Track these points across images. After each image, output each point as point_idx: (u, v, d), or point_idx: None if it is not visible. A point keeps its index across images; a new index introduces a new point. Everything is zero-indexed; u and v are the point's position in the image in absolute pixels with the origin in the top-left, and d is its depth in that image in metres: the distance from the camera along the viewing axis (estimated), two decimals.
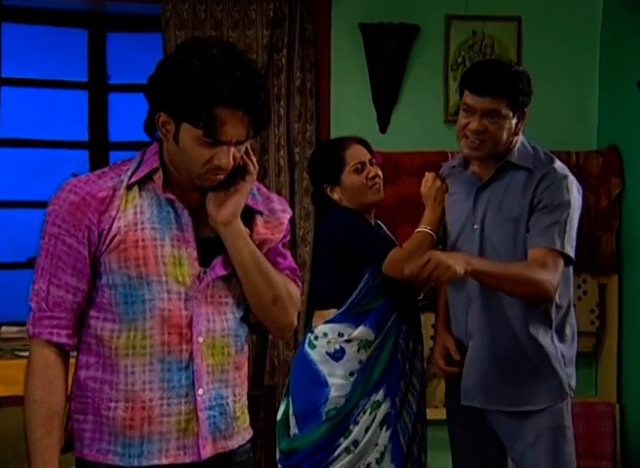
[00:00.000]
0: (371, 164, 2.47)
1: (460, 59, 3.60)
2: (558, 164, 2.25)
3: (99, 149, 3.71)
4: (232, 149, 1.49)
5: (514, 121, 2.21)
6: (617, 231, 3.56)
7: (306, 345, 2.41)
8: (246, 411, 1.68)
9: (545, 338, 2.24)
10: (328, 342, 2.36)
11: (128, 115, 3.71)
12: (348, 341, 2.35)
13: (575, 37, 3.67)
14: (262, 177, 3.49)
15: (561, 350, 2.27)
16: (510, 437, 2.28)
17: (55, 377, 1.53)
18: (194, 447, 1.54)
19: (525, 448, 2.25)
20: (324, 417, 2.33)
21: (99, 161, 3.67)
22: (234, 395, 1.61)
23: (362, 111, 3.59)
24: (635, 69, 3.36)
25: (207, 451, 1.55)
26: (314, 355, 2.37)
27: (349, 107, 3.58)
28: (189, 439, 1.54)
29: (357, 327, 2.36)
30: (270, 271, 1.58)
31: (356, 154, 2.46)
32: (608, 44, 3.64)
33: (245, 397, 1.67)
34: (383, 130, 3.62)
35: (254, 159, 1.57)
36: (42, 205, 3.91)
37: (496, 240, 2.25)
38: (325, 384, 2.34)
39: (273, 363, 3.51)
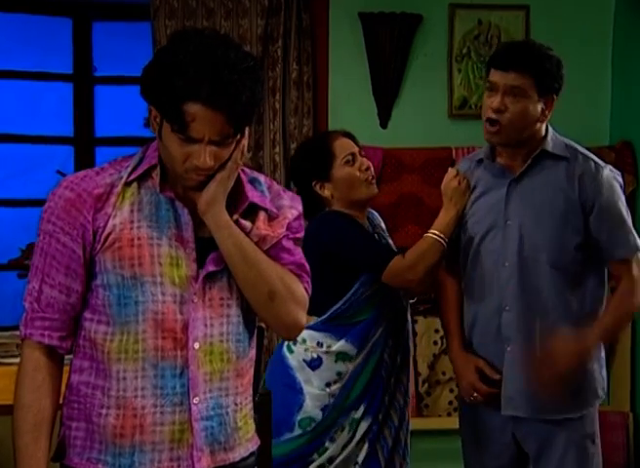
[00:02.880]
0: (361, 155, 2.45)
1: (464, 51, 3.62)
2: (593, 156, 2.27)
3: (84, 145, 3.72)
4: (210, 148, 1.48)
5: (540, 106, 2.18)
6: None
7: (284, 348, 2.41)
8: (250, 421, 1.68)
9: None
10: (306, 350, 2.35)
11: (115, 109, 3.74)
12: (327, 352, 2.34)
13: (586, 27, 3.68)
14: None
15: (600, 350, 2.30)
16: (540, 446, 2.27)
17: (45, 381, 1.55)
18: (188, 459, 1.55)
19: (555, 457, 2.25)
20: (296, 426, 2.33)
21: (84, 157, 3.68)
22: (235, 404, 1.61)
23: (362, 105, 3.60)
24: None
25: (203, 464, 1.56)
26: (292, 360, 2.37)
27: (348, 101, 3.60)
28: (183, 450, 1.55)
29: (338, 340, 2.34)
30: (263, 264, 1.57)
31: (345, 146, 2.44)
32: (621, 35, 3.66)
33: (249, 406, 1.67)
34: (384, 125, 3.64)
35: (242, 146, 1.55)
36: (25, 204, 3.94)
37: (538, 239, 2.22)
38: (300, 391, 2.34)
39: None
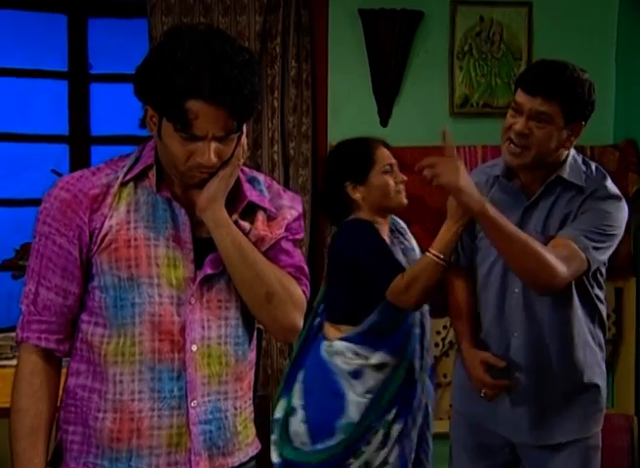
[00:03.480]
0: (397, 168, 2.54)
1: (466, 48, 3.62)
2: (610, 183, 2.20)
3: (79, 144, 3.71)
4: (214, 145, 1.48)
5: (566, 132, 2.11)
6: (634, 231, 3.57)
7: (324, 353, 2.43)
8: (250, 425, 1.68)
9: (597, 359, 2.26)
10: (345, 362, 2.40)
11: (111, 107, 3.73)
12: (366, 364, 2.40)
13: (590, 24, 3.68)
14: None
15: (602, 364, 2.29)
16: (541, 459, 2.28)
17: (42, 385, 1.55)
18: (186, 463, 1.54)
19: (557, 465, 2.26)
20: (338, 432, 2.36)
21: (79, 156, 3.68)
22: (235, 408, 1.61)
23: (361, 103, 3.60)
24: None
25: None
26: (334, 367, 2.41)
27: (348, 99, 3.60)
28: (181, 455, 1.54)
29: (375, 351, 2.40)
30: (261, 265, 1.56)
31: (386, 156, 2.54)
32: (624, 32, 3.66)
33: (249, 409, 1.67)
34: (384, 123, 3.63)
35: (243, 142, 1.55)
36: (19, 203, 3.93)
37: None
38: (343, 398, 2.37)
39: (267, 372, 3.52)
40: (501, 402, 2.26)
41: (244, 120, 1.50)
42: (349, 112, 3.59)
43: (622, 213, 2.18)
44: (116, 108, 3.61)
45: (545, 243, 2.10)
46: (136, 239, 1.53)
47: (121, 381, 1.52)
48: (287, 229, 1.64)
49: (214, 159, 1.48)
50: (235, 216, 1.58)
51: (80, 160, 3.65)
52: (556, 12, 3.66)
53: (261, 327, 1.69)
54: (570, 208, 2.16)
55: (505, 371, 2.24)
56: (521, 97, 2.12)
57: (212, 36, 1.48)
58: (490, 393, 2.25)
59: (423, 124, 3.62)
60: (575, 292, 2.19)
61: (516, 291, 2.21)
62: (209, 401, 1.56)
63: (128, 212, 1.54)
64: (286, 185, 3.53)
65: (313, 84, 3.54)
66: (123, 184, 1.55)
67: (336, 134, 3.56)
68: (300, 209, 1.68)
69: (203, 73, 1.42)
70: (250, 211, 1.61)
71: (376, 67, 3.58)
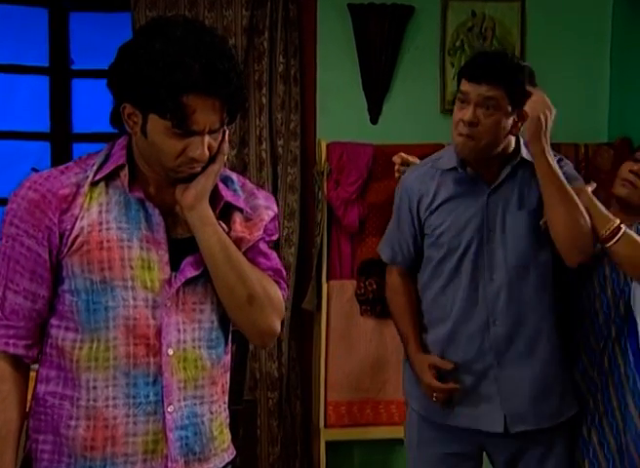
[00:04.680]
0: None
1: (457, 43, 3.60)
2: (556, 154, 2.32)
3: (61, 141, 3.69)
4: (206, 138, 1.48)
5: (513, 118, 2.17)
6: None
7: None
8: (225, 430, 1.67)
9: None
10: None
11: (93, 103, 3.69)
12: None
13: (584, 20, 3.67)
14: (242, 172, 3.48)
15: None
16: (518, 449, 2.31)
17: (10, 392, 1.52)
18: None
19: (535, 460, 2.30)
20: None
21: (61, 154, 3.65)
22: (211, 413, 1.60)
23: (351, 100, 3.58)
24: None
25: None
26: None
27: (337, 96, 3.58)
28: (157, 462, 1.53)
29: None
30: (244, 266, 1.56)
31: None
32: (620, 27, 3.65)
33: (224, 414, 1.66)
34: (374, 120, 3.61)
35: (227, 138, 1.55)
36: None
37: (524, 247, 2.24)
38: None
39: (255, 375, 3.50)
40: (488, 395, 2.26)
41: (237, 111, 1.51)
42: (339, 109, 3.57)
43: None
44: (99, 105, 3.57)
45: (524, 219, 2.21)
46: (108, 241, 1.51)
47: (95, 387, 1.51)
48: (264, 230, 1.63)
49: (207, 153, 1.49)
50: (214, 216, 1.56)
51: (62, 158, 3.62)
52: (549, 7, 3.65)
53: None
54: (535, 187, 2.23)
55: (454, 373, 2.27)
56: (466, 86, 2.18)
57: (196, 28, 1.48)
58: (441, 397, 2.28)
59: (414, 121, 3.61)
60: (552, 274, 2.28)
61: (494, 277, 2.24)
62: (185, 405, 1.55)
63: (100, 212, 1.52)
64: (274, 184, 3.51)
65: (302, 80, 3.52)
66: (93, 184, 1.53)
67: (325, 131, 3.56)
68: (275, 208, 1.68)
69: (198, 67, 1.42)
70: (225, 211, 1.60)
71: (365, 63, 3.56)
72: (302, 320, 3.58)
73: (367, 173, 3.48)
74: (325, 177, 3.45)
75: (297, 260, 3.50)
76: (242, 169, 3.48)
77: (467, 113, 2.15)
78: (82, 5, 3.68)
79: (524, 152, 2.25)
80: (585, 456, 2.30)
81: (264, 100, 3.46)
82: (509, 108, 2.15)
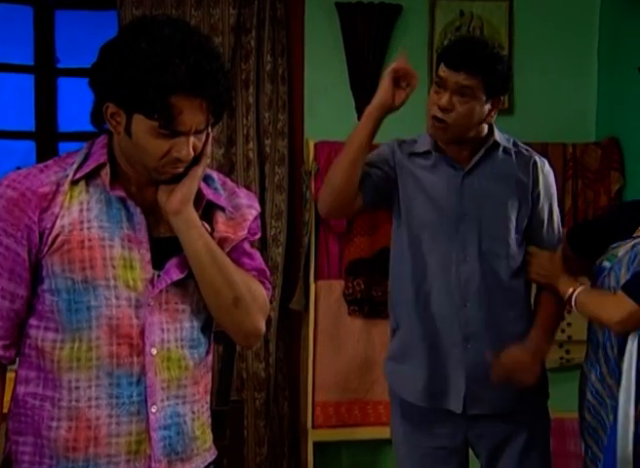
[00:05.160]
0: None
1: (445, 42, 3.58)
2: (531, 149, 2.41)
3: (47, 140, 3.67)
4: (192, 139, 1.48)
5: (487, 107, 2.24)
6: None
7: None
8: (207, 430, 1.66)
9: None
10: None
11: (79, 102, 3.66)
12: None
13: (571, 19, 3.68)
14: (230, 172, 3.48)
15: None
16: (497, 444, 2.34)
17: None
18: None
19: (516, 452, 2.33)
20: None
21: (46, 153, 3.62)
22: (193, 412, 1.60)
23: (339, 99, 3.57)
24: (637, 54, 3.39)
25: None
26: None
27: (325, 95, 3.57)
28: (141, 462, 1.52)
29: None
30: (230, 268, 1.56)
31: None
32: (608, 26, 3.66)
33: (206, 414, 1.66)
34: None
35: (209, 140, 1.55)
36: None
37: (498, 230, 2.30)
38: None
39: (242, 376, 3.49)
40: (454, 375, 2.29)
41: (223, 111, 1.51)
42: (326, 108, 3.57)
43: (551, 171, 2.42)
44: (84, 103, 3.56)
45: (500, 210, 2.28)
46: (89, 240, 1.50)
47: (77, 388, 1.50)
48: (247, 230, 1.63)
49: (192, 153, 1.49)
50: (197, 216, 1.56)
51: (47, 157, 3.53)
52: (537, 6, 3.66)
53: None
54: (518, 175, 2.31)
55: (424, 345, 2.31)
56: (445, 72, 2.22)
57: (182, 28, 1.47)
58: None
59: (402, 120, 3.57)
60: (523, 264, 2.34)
61: (468, 259, 2.28)
62: (168, 405, 1.55)
63: (80, 211, 1.51)
64: (261, 183, 3.50)
65: (289, 79, 3.51)
66: (74, 183, 1.52)
67: (312, 130, 3.56)
68: (257, 207, 1.68)
69: (186, 67, 1.42)
70: (206, 210, 1.59)
71: (353, 62, 3.56)
72: (290, 320, 3.57)
73: None
74: (313, 177, 3.45)
75: (284, 260, 3.50)
76: (229, 168, 3.48)
77: (443, 99, 2.20)
78: (67, 3, 3.67)
79: (497, 136, 2.32)
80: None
81: (252, 100, 3.46)
82: (484, 97, 2.21)
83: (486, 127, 2.30)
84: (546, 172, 2.37)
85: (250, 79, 3.45)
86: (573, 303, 2.21)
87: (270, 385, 3.50)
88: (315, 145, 3.47)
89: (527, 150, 2.38)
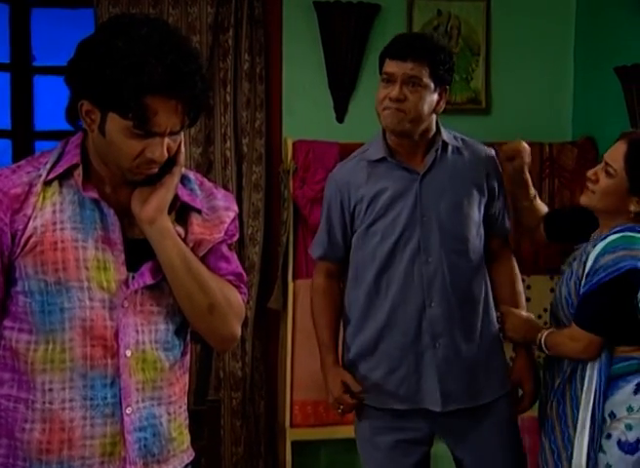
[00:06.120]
0: None
1: None
2: (475, 141, 2.47)
3: (23, 139, 3.65)
4: (166, 140, 1.48)
5: (435, 96, 2.29)
6: None
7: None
8: (184, 432, 1.66)
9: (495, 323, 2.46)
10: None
11: (55, 101, 3.63)
12: None
13: (548, 19, 3.70)
14: (207, 171, 3.47)
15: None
16: (463, 433, 2.39)
17: None
18: None
19: (481, 441, 2.39)
20: None
21: (23, 151, 3.60)
22: (169, 414, 1.59)
23: (317, 98, 3.58)
24: (613, 54, 3.42)
25: None
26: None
27: (303, 94, 3.57)
28: (115, 464, 1.52)
29: None
30: (204, 276, 1.56)
31: None
32: (584, 27, 3.69)
33: (183, 416, 1.65)
34: (340, 119, 3.62)
35: (182, 148, 1.55)
36: None
37: (457, 229, 2.34)
38: None
39: (218, 375, 3.49)
40: (427, 374, 2.34)
41: (199, 114, 1.51)
42: (304, 107, 3.57)
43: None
44: (61, 102, 3.54)
45: (453, 208, 2.32)
46: (62, 241, 1.49)
47: (50, 390, 1.49)
48: (225, 232, 1.62)
49: (166, 154, 1.48)
50: (171, 219, 1.55)
51: (23, 156, 3.50)
52: (514, 7, 3.68)
53: None
54: (472, 170, 2.37)
55: (393, 355, 2.35)
56: (392, 66, 2.29)
57: (160, 28, 1.47)
58: (347, 410, 2.44)
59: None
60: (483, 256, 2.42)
61: (430, 260, 2.32)
62: (143, 407, 1.54)
63: (53, 212, 1.50)
64: (239, 182, 3.50)
65: (267, 78, 3.51)
66: (47, 183, 1.52)
67: (290, 129, 3.56)
68: (235, 208, 1.67)
69: (162, 68, 1.41)
70: (181, 212, 1.59)
71: (331, 61, 3.56)
72: (267, 319, 3.57)
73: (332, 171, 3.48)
74: (291, 176, 3.45)
75: (261, 259, 3.50)
76: (207, 167, 3.47)
77: (394, 91, 2.25)
78: (44, 1, 3.65)
79: (444, 135, 2.37)
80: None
81: (229, 99, 3.45)
82: (432, 86, 2.27)
83: (434, 122, 2.34)
84: (495, 162, 2.42)
85: (227, 78, 3.45)
86: (544, 348, 2.29)
87: (247, 384, 3.50)
88: (293, 144, 3.47)
89: (474, 144, 2.43)
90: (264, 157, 3.51)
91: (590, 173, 2.26)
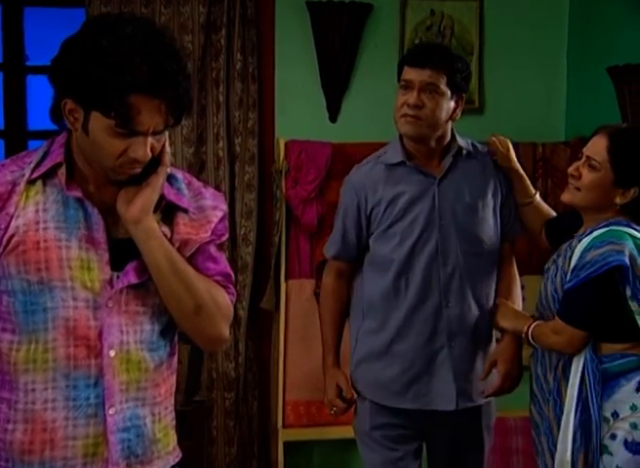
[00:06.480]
0: None
1: (416, 41, 3.60)
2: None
3: (16, 138, 3.64)
4: (150, 140, 1.47)
5: (452, 103, 2.35)
6: None
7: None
8: (170, 433, 1.65)
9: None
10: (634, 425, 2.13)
11: (49, 100, 3.64)
12: None
13: (541, 19, 3.70)
14: (200, 171, 3.47)
15: None
16: (459, 436, 2.45)
17: None
18: None
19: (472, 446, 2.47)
20: None
21: (16, 151, 3.49)
22: (153, 415, 1.59)
23: (310, 98, 3.57)
24: (606, 54, 3.41)
25: None
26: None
27: (296, 94, 3.56)
28: (98, 465, 1.52)
29: None
30: (191, 277, 1.55)
31: None
32: (576, 27, 3.69)
33: (169, 417, 1.65)
34: (333, 119, 3.61)
35: (168, 149, 1.54)
36: None
37: (474, 233, 2.40)
38: None
39: (211, 376, 3.48)
40: (440, 374, 2.38)
41: (183, 114, 1.50)
42: (297, 107, 3.56)
43: None
44: None
45: (470, 212, 2.38)
46: (45, 241, 1.49)
47: (33, 390, 1.49)
48: (212, 232, 1.61)
49: (149, 154, 1.48)
50: (157, 219, 1.55)
51: None
52: (508, 6, 3.67)
53: None
54: (485, 175, 2.43)
55: (406, 357, 2.40)
56: (410, 73, 2.35)
57: (145, 27, 1.47)
58: (339, 413, 2.54)
59: (373, 119, 3.61)
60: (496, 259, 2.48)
61: (447, 262, 2.37)
62: (127, 407, 1.54)
63: (36, 211, 1.50)
64: (232, 182, 3.50)
65: (260, 78, 3.50)
66: (30, 182, 1.51)
67: (283, 129, 3.55)
68: (223, 207, 1.66)
69: (146, 67, 1.41)
70: (168, 211, 1.58)
71: (324, 61, 3.55)
72: (260, 319, 3.57)
73: (325, 171, 3.47)
74: (283, 176, 3.45)
75: (254, 260, 3.49)
76: (199, 167, 3.47)
77: (412, 97, 2.30)
78: (37, 0, 3.64)
79: (459, 141, 2.43)
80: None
81: (222, 98, 3.44)
82: (449, 93, 2.33)
83: (449, 130, 2.40)
84: (503, 169, 2.48)
85: (220, 78, 3.44)
86: (530, 340, 2.30)
87: (240, 385, 3.49)
88: (286, 144, 3.46)
89: (483, 148, 2.49)
90: (257, 157, 3.50)
91: (571, 169, 2.27)
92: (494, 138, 2.45)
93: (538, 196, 2.48)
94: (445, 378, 2.38)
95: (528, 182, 2.47)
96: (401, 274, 2.38)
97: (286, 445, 3.46)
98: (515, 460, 3.61)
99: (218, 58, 3.44)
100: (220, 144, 3.47)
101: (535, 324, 2.28)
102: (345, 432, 3.48)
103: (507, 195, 2.47)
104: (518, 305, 2.49)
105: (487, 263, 2.43)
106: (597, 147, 2.21)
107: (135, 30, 1.44)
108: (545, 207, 2.50)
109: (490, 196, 2.42)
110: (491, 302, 2.44)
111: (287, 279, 3.48)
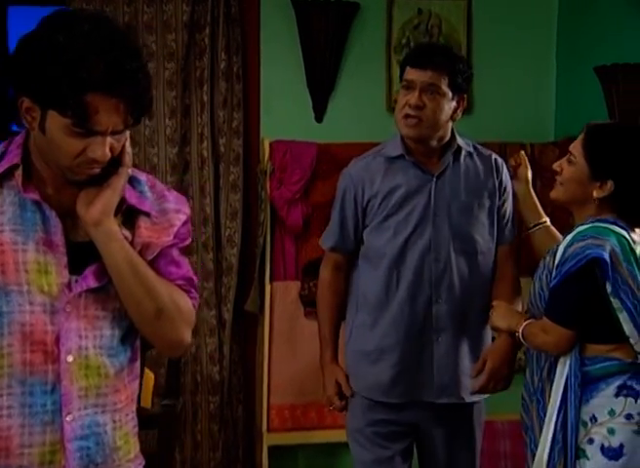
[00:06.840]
0: None
1: (404, 41, 3.58)
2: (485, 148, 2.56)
3: (2, 138, 3.61)
4: (109, 139, 1.44)
5: (453, 104, 2.37)
6: None
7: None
8: (132, 440, 1.62)
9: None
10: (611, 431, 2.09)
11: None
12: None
13: (530, 18, 3.68)
14: (184, 171, 3.44)
15: None
16: (451, 430, 2.47)
17: None
18: None
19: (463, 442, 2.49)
20: None
21: None
22: (114, 422, 1.55)
23: (295, 98, 3.55)
24: (594, 54, 3.39)
25: None
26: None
27: (281, 93, 3.54)
28: None
29: None
30: (152, 280, 1.52)
31: None
32: (565, 27, 3.67)
33: (131, 424, 1.61)
34: (319, 119, 3.59)
35: (129, 149, 1.51)
36: None
37: (468, 230, 2.42)
38: None
39: (196, 379, 3.46)
40: (426, 368, 2.41)
41: (143, 113, 1.47)
42: (282, 107, 3.54)
43: None
44: None
45: (465, 209, 2.40)
46: (1, 244, 1.45)
47: None
48: (175, 236, 1.59)
49: (108, 154, 1.45)
50: (117, 222, 1.51)
51: None
52: (496, 5, 3.66)
53: None
54: (485, 174, 2.45)
55: (394, 350, 2.40)
56: (412, 73, 2.36)
57: (104, 24, 1.43)
58: (337, 409, 2.52)
59: (360, 119, 3.59)
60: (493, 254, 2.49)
61: (439, 258, 2.39)
62: (86, 414, 1.50)
63: None
64: (216, 183, 3.47)
65: (244, 77, 3.48)
66: None
67: (268, 129, 3.53)
68: (186, 211, 1.63)
69: (103, 65, 1.38)
70: (129, 214, 1.55)
71: (310, 60, 3.53)
72: (245, 322, 3.54)
73: (311, 172, 3.45)
74: (268, 176, 3.42)
75: (239, 261, 3.46)
76: (183, 167, 3.44)
77: (413, 98, 2.32)
78: None
79: (460, 142, 2.45)
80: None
81: (206, 98, 3.42)
82: (450, 94, 2.35)
83: (449, 130, 2.42)
84: (506, 170, 2.50)
85: (204, 77, 3.42)
86: (521, 338, 2.27)
87: (224, 388, 3.46)
88: (271, 144, 3.44)
89: (485, 150, 2.52)
90: (242, 157, 3.48)
91: (556, 165, 2.29)
92: (523, 155, 2.48)
93: (548, 221, 2.46)
94: (428, 371, 2.41)
95: (539, 207, 2.45)
96: (393, 268, 2.40)
97: (271, 449, 3.44)
98: (503, 464, 3.60)
99: (202, 58, 3.42)
100: (205, 144, 3.44)
101: (526, 323, 2.27)
102: (330, 436, 3.47)
103: (506, 198, 2.48)
104: (518, 307, 2.48)
105: (481, 263, 2.44)
106: (576, 142, 2.25)
107: (92, 27, 1.40)
108: (555, 232, 2.45)
109: (486, 197, 2.44)
110: (484, 302, 2.43)
111: (272, 281, 3.46)
